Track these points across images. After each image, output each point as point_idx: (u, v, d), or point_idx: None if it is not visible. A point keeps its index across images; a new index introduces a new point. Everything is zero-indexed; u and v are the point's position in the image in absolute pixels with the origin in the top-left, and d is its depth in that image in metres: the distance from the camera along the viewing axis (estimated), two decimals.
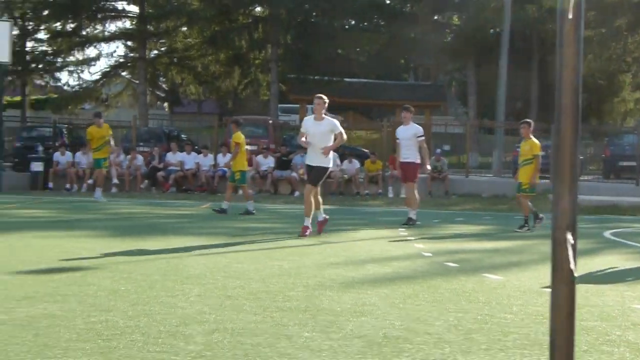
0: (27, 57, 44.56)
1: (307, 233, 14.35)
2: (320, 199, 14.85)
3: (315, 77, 40.36)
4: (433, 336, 6.71)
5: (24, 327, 6.49)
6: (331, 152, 14.50)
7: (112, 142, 22.18)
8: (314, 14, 41.50)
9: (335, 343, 6.35)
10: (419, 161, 17.03)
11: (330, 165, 14.60)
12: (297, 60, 40.51)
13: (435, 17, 47.45)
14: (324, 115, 14.49)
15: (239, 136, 18.74)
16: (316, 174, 14.47)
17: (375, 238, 14.74)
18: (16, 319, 6.74)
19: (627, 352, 6.22)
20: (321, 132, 14.33)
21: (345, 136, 14.57)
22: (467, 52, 43.69)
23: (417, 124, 17.54)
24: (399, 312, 7.64)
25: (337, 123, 14.73)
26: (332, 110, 47.59)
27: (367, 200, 25.94)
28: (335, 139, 14.42)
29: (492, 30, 43.98)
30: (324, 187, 26.77)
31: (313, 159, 14.46)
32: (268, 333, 6.60)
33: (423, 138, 17.05)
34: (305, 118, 15.10)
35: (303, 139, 14.44)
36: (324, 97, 14.58)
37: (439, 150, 30.64)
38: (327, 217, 14.96)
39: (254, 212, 18.74)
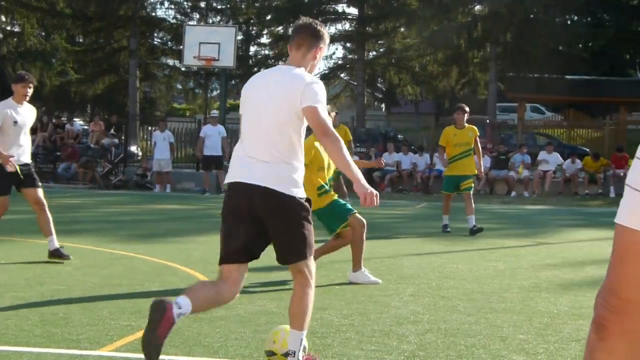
0: (250, 61, 46.14)
1: None
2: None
3: (535, 75, 39.56)
4: None
5: (244, 323, 6.75)
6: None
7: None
8: (535, 10, 40.63)
9: (552, 346, 6.23)
10: None
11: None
12: (516, 58, 39.82)
13: None
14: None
15: None
16: None
17: (594, 239, 14.30)
18: (236, 315, 7.01)
19: None
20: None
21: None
22: None
23: None
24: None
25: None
26: (552, 108, 46.49)
27: (586, 200, 25.19)
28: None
29: None
30: (541, 185, 26.27)
31: None
32: (482, 334, 6.55)
33: None
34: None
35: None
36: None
37: None
38: None
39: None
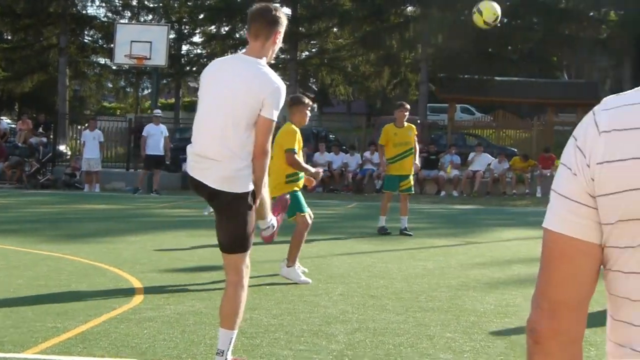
0: (182, 60, 45.86)
1: None
2: None
3: (465, 76, 39.98)
4: None
5: (172, 323, 6.71)
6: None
7: None
8: (466, 12, 41.08)
9: (478, 344, 6.31)
10: None
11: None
12: (447, 59, 40.19)
13: (591, 13, 46.12)
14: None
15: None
16: None
17: (522, 238, 14.51)
18: (164, 316, 6.97)
19: None
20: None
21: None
22: (623, 49, 42.40)
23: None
24: None
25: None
26: (482, 109, 47.07)
27: (514, 199, 25.55)
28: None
29: None
30: (470, 185, 26.57)
31: None
32: (410, 333, 6.61)
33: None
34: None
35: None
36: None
37: None
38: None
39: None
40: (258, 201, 5.26)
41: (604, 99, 1.57)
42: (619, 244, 1.50)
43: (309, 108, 9.38)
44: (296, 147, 9.07)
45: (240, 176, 5.12)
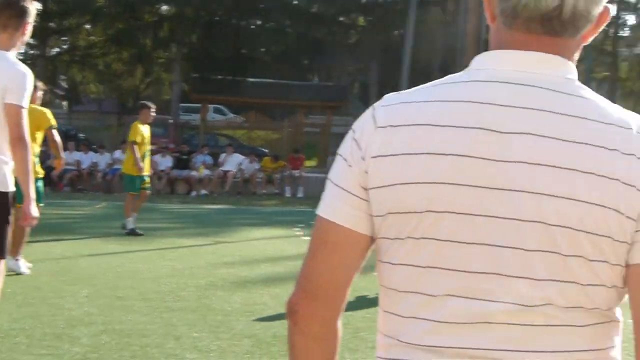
0: None
1: None
2: None
3: (218, 77, 40.19)
4: None
5: None
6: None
7: None
8: (220, 13, 41.30)
9: (224, 343, 6.38)
10: None
11: None
12: (201, 59, 40.26)
13: (341, 18, 47.64)
14: None
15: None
16: None
17: (269, 237, 14.78)
18: None
19: None
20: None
21: None
22: (370, 53, 44.06)
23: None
24: None
25: None
26: (235, 110, 47.49)
27: (263, 199, 25.96)
28: None
29: (396, 32, 44.46)
30: (221, 185, 26.74)
31: None
32: (157, 334, 6.59)
33: None
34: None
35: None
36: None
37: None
38: None
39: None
40: (29, 199, 4.96)
41: (385, 95, 1.62)
42: (389, 236, 1.54)
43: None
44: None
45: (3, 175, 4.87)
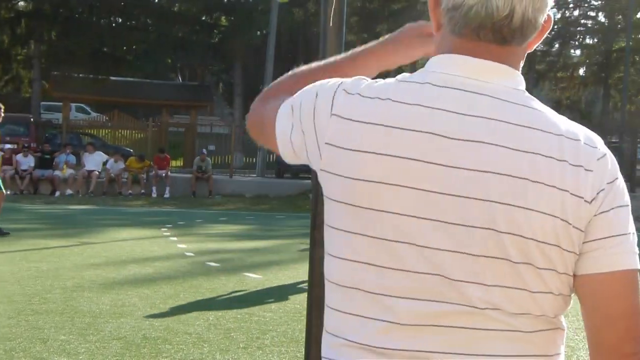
0: None
1: None
2: None
3: (80, 75, 39.43)
4: (192, 336, 6.81)
5: None
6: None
7: None
8: (80, 10, 40.56)
9: (93, 345, 6.33)
10: None
11: None
12: (61, 57, 39.43)
13: (204, 18, 47.44)
14: None
15: None
16: None
17: (136, 238, 14.64)
18: None
19: None
20: None
21: None
22: (234, 53, 44.04)
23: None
24: (159, 312, 7.69)
25: None
26: (98, 109, 46.70)
27: (129, 200, 25.65)
28: None
29: (258, 32, 44.57)
30: (86, 185, 26.28)
31: None
32: (22, 337, 6.48)
33: None
34: None
35: None
36: None
37: (204, 151, 30.67)
38: None
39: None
40: None
41: (353, 80, 1.58)
42: (335, 225, 1.54)
43: None
44: None
45: None
